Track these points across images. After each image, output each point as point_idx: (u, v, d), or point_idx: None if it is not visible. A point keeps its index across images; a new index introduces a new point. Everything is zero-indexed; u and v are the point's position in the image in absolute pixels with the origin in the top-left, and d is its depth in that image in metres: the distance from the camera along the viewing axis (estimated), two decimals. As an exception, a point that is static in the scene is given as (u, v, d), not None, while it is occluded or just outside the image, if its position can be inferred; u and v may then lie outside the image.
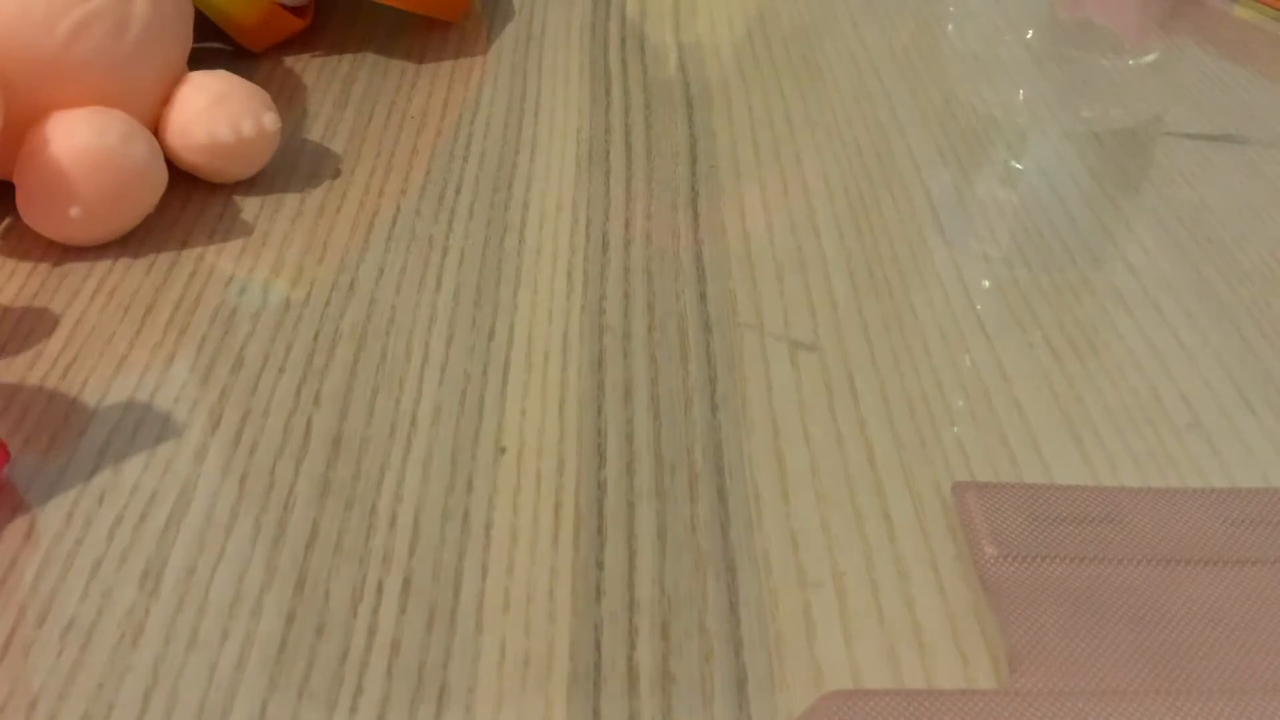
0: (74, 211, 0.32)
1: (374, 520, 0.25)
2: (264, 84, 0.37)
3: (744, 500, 0.26)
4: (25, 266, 0.33)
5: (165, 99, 0.34)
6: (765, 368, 0.30)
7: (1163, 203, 0.37)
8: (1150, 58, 0.46)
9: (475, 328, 0.31)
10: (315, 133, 0.39)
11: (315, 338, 0.30)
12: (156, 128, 0.34)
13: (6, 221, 0.34)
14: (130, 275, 0.32)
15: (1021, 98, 0.42)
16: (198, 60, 0.37)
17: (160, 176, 0.33)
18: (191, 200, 0.36)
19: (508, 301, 0.32)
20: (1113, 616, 0.23)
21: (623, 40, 0.45)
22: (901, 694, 0.22)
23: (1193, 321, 0.32)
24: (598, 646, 0.23)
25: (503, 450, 0.27)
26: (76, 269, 0.33)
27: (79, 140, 0.31)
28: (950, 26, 0.48)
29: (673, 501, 0.26)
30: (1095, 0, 0.49)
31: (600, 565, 0.25)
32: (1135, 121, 0.41)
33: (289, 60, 0.43)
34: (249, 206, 0.35)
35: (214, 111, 0.34)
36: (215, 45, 0.42)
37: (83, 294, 0.32)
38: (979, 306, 0.32)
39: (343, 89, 0.41)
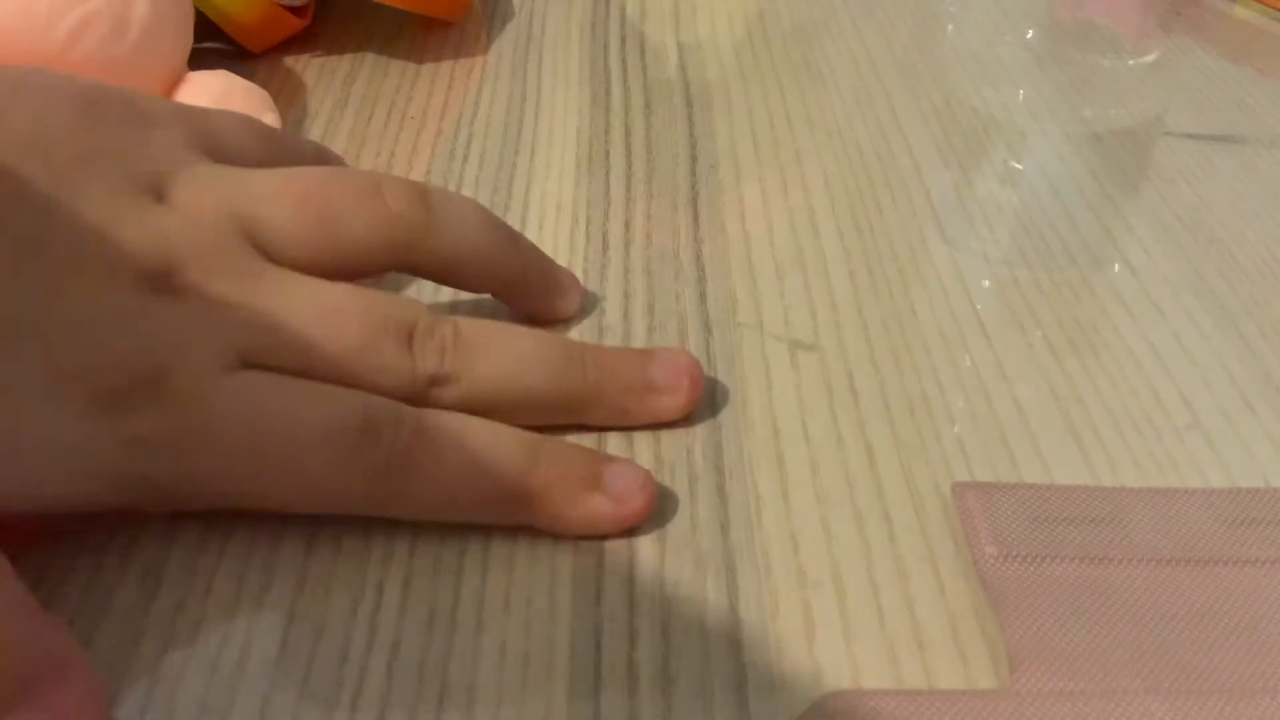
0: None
1: (374, 520, 0.25)
2: (264, 84, 0.37)
3: (744, 500, 0.26)
4: (25, 266, 0.33)
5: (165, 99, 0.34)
6: (765, 368, 0.30)
7: (1163, 203, 0.37)
8: (1150, 58, 0.46)
9: (475, 328, 0.31)
10: (315, 133, 0.39)
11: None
12: (156, 128, 0.35)
13: (6, 221, 0.34)
14: (130, 275, 0.32)
15: (1021, 98, 0.42)
16: (198, 60, 0.37)
17: (160, 177, 0.33)
18: (191, 200, 0.35)
19: (508, 301, 0.32)
20: (1113, 616, 0.23)
21: (623, 40, 0.45)
22: (901, 694, 0.22)
23: (1193, 321, 0.32)
24: (598, 646, 0.23)
25: (503, 450, 0.27)
26: (76, 269, 0.33)
27: (79, 140, 0.31)
28: (950, 26, 0.48)
29: (673, 501, 0.26)
30: (1095, 0, 0.49)
31: (600, 565, 0.25)
32: (1135, 121, 0.41)
33: (289, 60, 0.43)
34: (249, 206, 0.35)
35: (214, 112, 0.34)
36: (215, 45, 0.42)
37: (83, 294, 0.32)
38: (979, 306, 0.32)
39: (343, 89, 0.41)
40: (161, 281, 0.24)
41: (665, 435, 0.28)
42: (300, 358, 0.24)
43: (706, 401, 0.29)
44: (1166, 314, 0.32)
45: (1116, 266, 0.34)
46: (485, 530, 0.25)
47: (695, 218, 0.35)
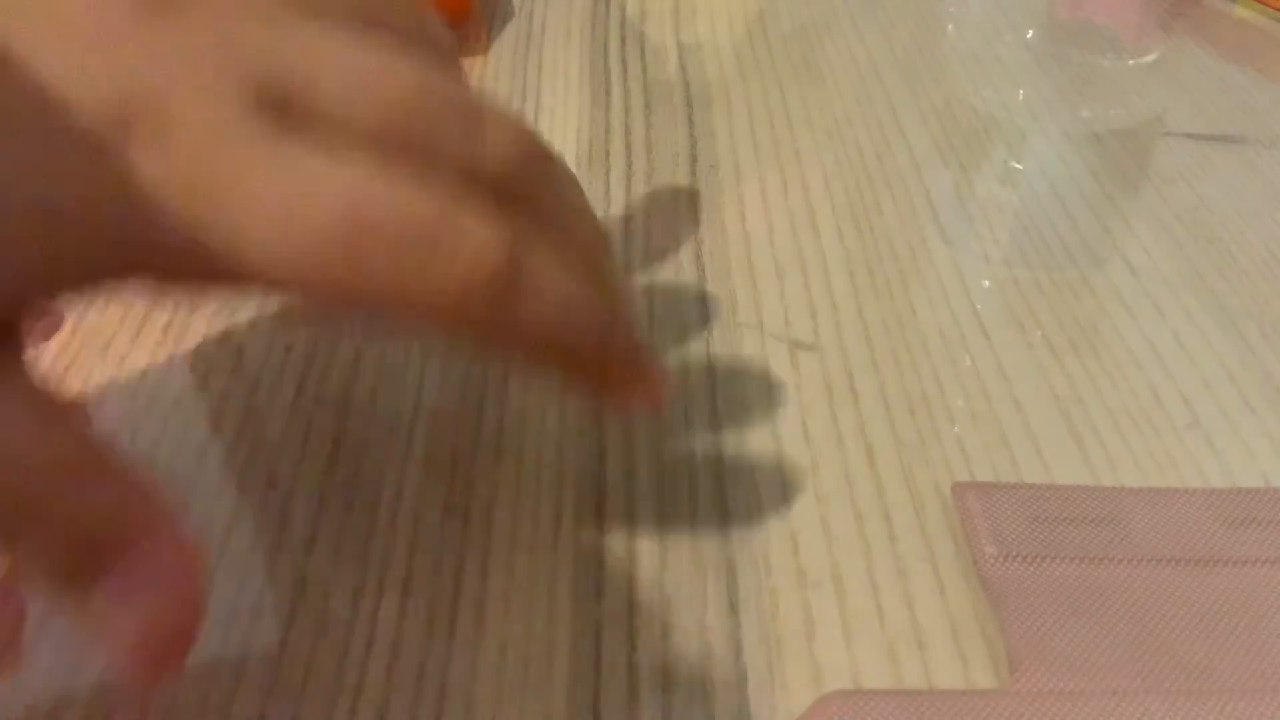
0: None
1: (374, 520, 0.25)
2: (264, 84, 0.37)
3: (744, 500, 0.26)
4: (25, 267, 0.33)
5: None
6: (765, 368, 0.30)
7: (1163, 203, 0.37)
8: (1150, 58, 0.46)
9: (475, 328, 0.31)
10: (315, 133, 0.39)
11: (316, 338, 0.30)
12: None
13: (6, 222, 0.34)
14: (130, 275, 0.32)
15: (1021, 98, 0.42)
16: (198, 60, 0.36)
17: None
18: (191, 200, 0.35)
19: (508, 302, 0.32)
20: (1113, 616, 0.23)
21: (623, 40, 0.45)
22: (901, 694, 0.22)
23: (1193, 321, 0.32)
24: (598, 647, 0.23)
25: (504, 450, 0.27)
26: (76, 269, 0.33)
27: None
28: (950, 26, 0.48)
29: (673, 502, 0.26)
30: (1095, 0, 0.49)
31: (600, 565, 0.25)
32: (1135, 121, 0.41)
33: (289, 60, 0.43)
34: (249, 207, 0.35)
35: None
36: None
37: (83, 294, 0.32)
38: (979, 306, 0.32)
39: (343, 89, 0.41)
40: (163, 3, 0.19)
41: (665, 435, 0.28)
42: (336, 111, 0.20)
43: (706, 401, 0.29)
44: (1166, 314, 0.32)
45: (1116, 266, 0.34)
46: (485, 530, 0.25)
47: (695, 218, 0.35)
